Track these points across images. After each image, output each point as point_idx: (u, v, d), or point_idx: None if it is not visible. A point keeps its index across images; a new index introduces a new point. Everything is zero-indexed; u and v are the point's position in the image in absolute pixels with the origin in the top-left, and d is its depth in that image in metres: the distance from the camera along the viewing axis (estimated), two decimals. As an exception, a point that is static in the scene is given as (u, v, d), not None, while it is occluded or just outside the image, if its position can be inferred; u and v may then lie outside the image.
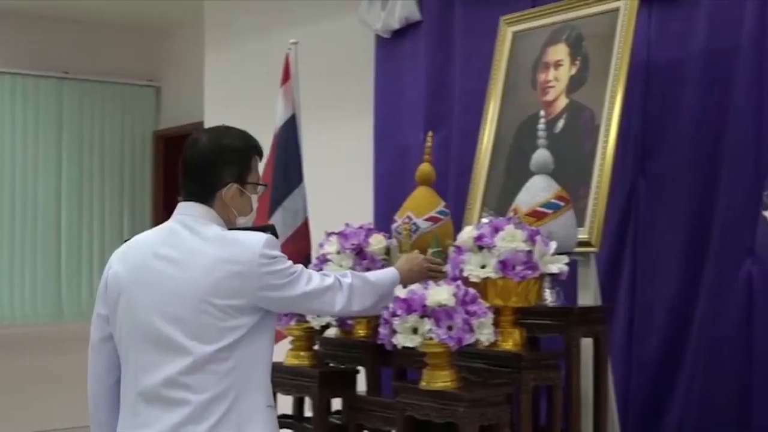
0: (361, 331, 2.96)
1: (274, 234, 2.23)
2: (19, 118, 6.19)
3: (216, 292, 2.10)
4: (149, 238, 2.27)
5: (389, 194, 3.89)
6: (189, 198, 2.25)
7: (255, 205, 2.33)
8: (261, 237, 2.17)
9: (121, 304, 2.19)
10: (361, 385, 2.94)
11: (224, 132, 2.32)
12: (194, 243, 2.17)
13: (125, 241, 2.30)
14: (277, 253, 2.17)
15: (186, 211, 2.24)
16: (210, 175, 2.23)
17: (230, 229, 2.24)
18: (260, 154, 2.33)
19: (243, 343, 2.11)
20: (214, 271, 2.11)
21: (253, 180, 2.28)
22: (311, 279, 2.20)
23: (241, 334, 2.11)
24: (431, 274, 2.36)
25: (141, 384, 2.13)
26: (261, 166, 2.38)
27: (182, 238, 2.19)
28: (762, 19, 2.86)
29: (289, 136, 3.77)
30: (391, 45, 4.08)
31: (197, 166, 2.25)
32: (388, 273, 2.28)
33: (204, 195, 2.23)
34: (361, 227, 2.95)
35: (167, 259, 2.17)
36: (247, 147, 2.29)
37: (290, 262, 2.17)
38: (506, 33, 3.31)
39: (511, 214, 2.72)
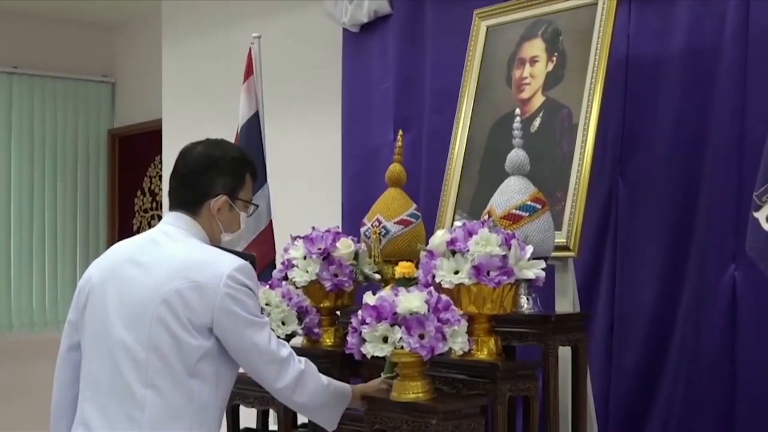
0: (328, 341, 2.90)
1: (253, 265, 2.22)
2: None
3: (175, 301, 2.09)
4: (129, 244, 2.29)
5: (358, 196, 3.86)
6: (176, 207, 2.26)
7: (243, 224, 2.33)
8: (236, 260, 2.17)
9: (87, 309, 2.20)
10: (329, 396, 2.86)
11: (221, 143, 2.34)
12: (168, 252, 2.18)
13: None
14: (250, 283, 2.16)
15: (171, 221, 2.25)
16: (201, 183, 2.24)
17: (213, 245, 2.24)
18: (255, 175, 2.34)
19: (199, 370, 2.11)
20: (178, 279, 2.11)
21: (244, 197, 2.29)
22: (271, 339, 2.19)
23: (196, 356, 2.10)
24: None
25: (91, 391, 2.13)
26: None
27: (159, 246, 2.20)
28: (744, 16, 2.84)
29: (252, 134, 3.76)
30: (360, 39, 4.04)
31: (190, 173, 2.26)
32: (343, 386, 2.34)
33: (192, 204, 2.24)
34: (328, 231, 2.89)
35: (139, 265, 2.18)
36: (243, 162, 2.31)
37: (261, 307, 2.18)
38: (480, 27, 3.27)
39: (485, 217, 2.66)
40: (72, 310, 2.27)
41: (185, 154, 2.29)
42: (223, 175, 2.25)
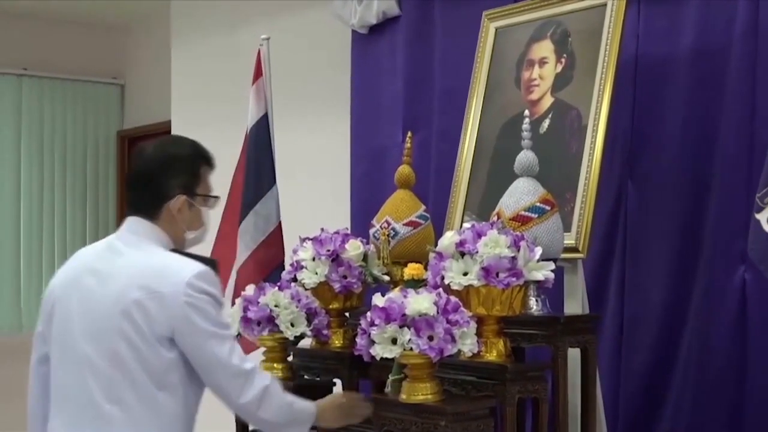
0: (337, 342, 2.90)
1: (215, 270, 2.15)
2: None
3: (135, 313, 2.04)
4: (89, 252, 2.23)
5: (367, 198, 3.84)
6: (135, 212, 2.19)
7: (206, 219, 2.26)
8: (197, 266, 2.10)
9: (54, 321, 2.15)
10: (338, 398, 2.85)
11: (172, 141, 2.31)
12: (127, 261, 2.11)
13: None
14: (211, 290, 2.09)
15: (130, 226, 2.19)
16: (156, 186, 2.17)
17: (179, 245, 2.18)
18: (211, 165, 2.26)
19: (166, 382, 2.07)
20: (137, 289, 2.05)
21: (202, 192, 2.22)
22: (234, 351, 2.11)
23: (162, 368, 2.05)
24: (357, 416, 2.38)
25: (59, 407, 2.10)
26: (230, 175, 2.33)
27: (118, 254, 2.14)
28: (754, 16, 2.82)
29: (261, 136, 3.74)
30: (368, 41, 4.03)
31: (143, 177, 2.19)
32: (308, 404, 2.29)
33: (150, 208, 2.17)
34: (337, 232, 2.88)
35: (97, 275, 2.12)
36: (196, 156, 2.23)
37: (226, 318, 2.10)
38: (489, 29, 3.26)
39: (494, 218, 2.66)
40: (40, 322, 2.23)
41: (136, 158, 2.24)
42: (178, 175, 2.18)
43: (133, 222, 2.20)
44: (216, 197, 2.31)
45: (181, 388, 2.11)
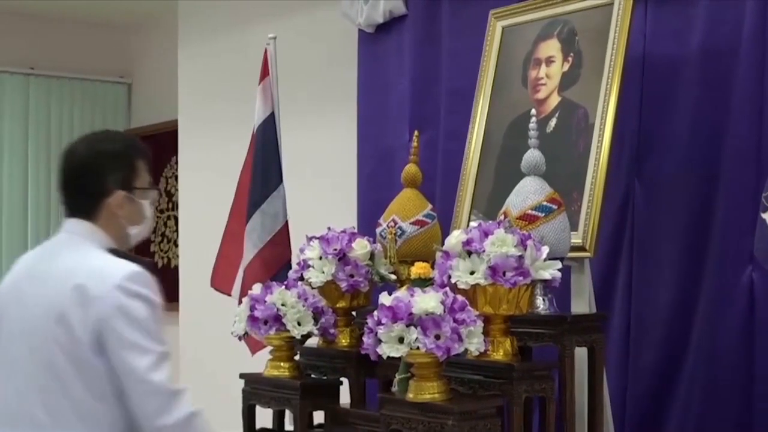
0: (344, 341, 2.89)
1: (151, 271, 2.06)
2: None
3: (68, 319, 1.98)
4: (29, 256, 2.18)
5: (374, 196, 3.82)
6: (73, 213, 2.12)
7: (148, 212, 2.19)
8: (129, 268, 2.01)
9: (2, 326, 2.11)
10: (345, 397, 2.87)
11: (102, 137, 2.21)
12: (62, 264, 2.05)
13: None
14: (143, 291, 2.00)
15: (68, 228, 2.12)
16: (92, 185, 2.10)
17: (122, 243, 2.13)
18: (146, 158, 2.18)
19: (104, 392, 1.99)
20: (69, 294, 1.98)
21: (140, 185, 2.14)
22: (158, 367, 1.98)
23: (98, 377, 1.98)
24: None
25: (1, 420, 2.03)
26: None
27: (54, 258, 2.09)
28: (763, 15, 2.82)
29: (267, 135, 3.75)
30: (375, 40, 4.02)
31: (77, 177, 2.12)
32: None
33: (88, 208, 2.10)
34: (344, 231, 2.88)
35: (34, 280, 2.07)
36: (130, 150, 2.16)
37: (156, 326, 1.98)
38: (495, 28, 3.26)
39: (501, 217, 2.65)
40: None
41: (68, 159, 2.14)
42: (114, 171, 2.10)
43: (71, 223, 2.12)
44: (155, 189, 2.24)
45: (122, 398, 2.01)
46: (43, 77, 6.27)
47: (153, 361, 1.98)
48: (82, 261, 2.05)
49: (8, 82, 6.16)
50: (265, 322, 2.73)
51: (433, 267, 2.52)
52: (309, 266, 2.85)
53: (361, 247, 2.85)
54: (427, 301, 2.29)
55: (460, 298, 2.35)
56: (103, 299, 1.98)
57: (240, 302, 2.96)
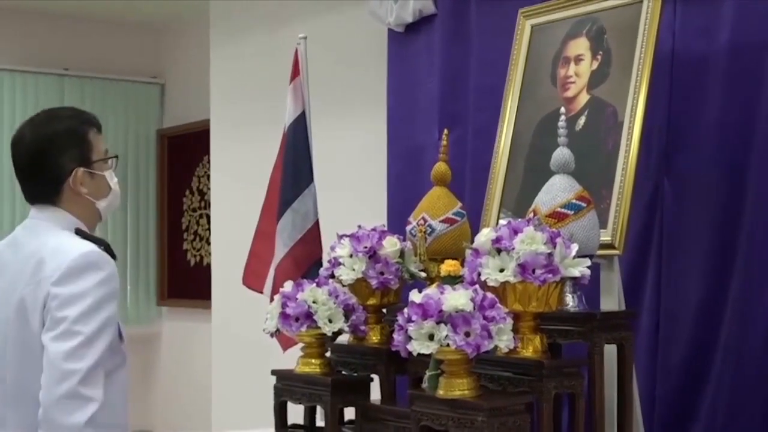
0: (374, 338, 2.90)
1: (109, 252, 2.00)
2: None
3: (24, 309, 1.95)
4: (2, 243, 2.14)
5: (403, 195, 3.83)
6: (35, 200, 2.08)
7: (113, 181, 2.13)
8: (83, 246, 1.96)
9: None
10: (375, 393, 2.87)
11: (48, 118, 2.10)
12: (24, 251, 2.02)
13: None
14: (91, 270, 1.92)
15: (32, 215, 2.09)
16: (49, 170, 2.04)
17: (93, 219, 2.09)
18: (97, 126, 2.12)
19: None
20: (25, 284, 1.96)
21: (98, 156, 2.08)
22: (83, 355, 1.89)
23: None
24: None
25: None
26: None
27: (18, 246, 2.06)
28: (792, 11, 2.79)
29: (298, 134, 3.76)
30: (405, 39, 4.03)
31: (30, 164, 2.06)
32: None
33: (49, 193, 2.06)
34: (374, 229, 2.89)
35: (2, 267, 2.05)
36: (79, 124, 2.09)
37: (97, 306, 1.90)
38: (524, 26, 3.25)
39: (530, 215, 2.65)
40: None
41: (18, 146, 2.07)
42: (67, 150, 2.05)
43: (34, 210, 2.09)
44: (114, 156, 2.16)
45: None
46: (77, 78, 6.33)
47: (74, 346, 1.89)
48: (42, 246, 2.01)
49: (43, 83, 6.23)
50: (297, 320, 2.74)
51: (462, 264, 2.52)
52: (340, 264, 2.85)
53: (391, 244, 2.86)
54: (457, 299, 2.29)
55: (489, 295, 2.35)
56: (51, 278, 1.93)
57: (271, 300, 2.98)
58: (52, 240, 2.02)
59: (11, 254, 2.08)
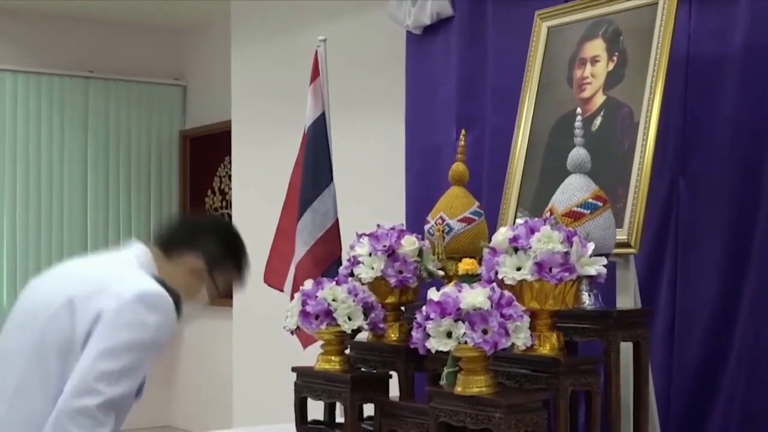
0: (393, 336, 2.92)
1: (177, 307, 2.03)
2: (45, 118, 6.22)
3: (79, 304, 2.00)
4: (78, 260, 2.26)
5: (421, 194, 3.85)
6: (156, 242, 2.17)
7: (201, 297, 2.20)
8: (159, 287, 2.01)
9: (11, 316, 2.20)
10: (394, 390, 2.89)
11: (235, 232, 2.27)
12: (101, 262, 2.14)
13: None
14: (155, 309, 1.95)
15: (133, 249, 2.16)
16: (195, 236, 2.17)
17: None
18: (242, 279, 2.25)
19: None
20: (89, 286, 2.04)
21: (218, 279, 2.20)
22: (120, 385, 1.93)
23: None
24: None
25: None
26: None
27: (98, 258, 2.21)
28: (807, 12, 2.80)
29: (318, 135, 3.77)
30: (423, 41, 4.04)
31: (196, 226, 2.22)
32: None
33: (174, 245, 2.16)
34: (392, 228, 2.90)
35: (58, 276, 2.17)
36: (241, 259, 2.24)
37: (150, 346, 1.95)
38: (541, 28, 3.27)
39: (547, 214, 2.67)
40: None
41: (221, 221, 2.26)
42: (214, 248, 2.17)
43: (138, 247, 2.17)
44: (219, 295, 2.26)
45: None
46: (101, 80, 6.39)
47: (114, 370, 1.93)
48: (121, 267, 2.08)
49: (68, 85, 6.30)
50: (317, 317, 2.75)
51: (480, 263, 2.53)
52: (359, 262, 2.86)
53: (409, 243, 2.86)
54: (475, 297, 2.30)
55: (507, 293, 2.35)
56: (121, 293, 1.97)
57: (292, 298, 2.99)
58: (135, 270, 2.08)
59: (83, 261, 2.18)
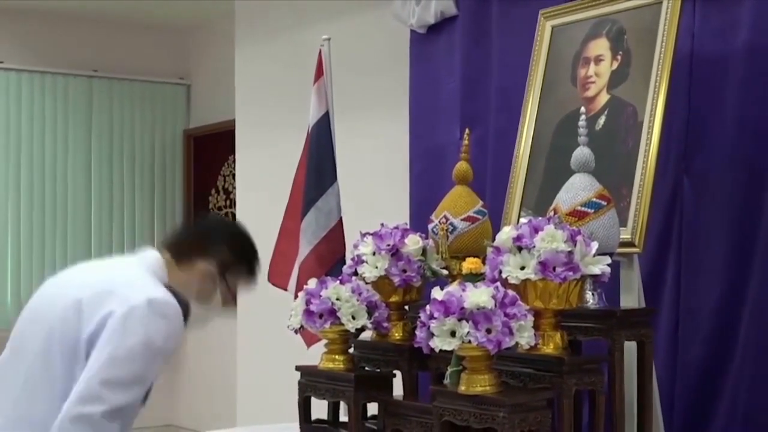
0: (397, 335, 2.92)
1: (186, 314, 2.04)
2: (48, 117, 6.23)
3: (86, 306, 2.02)
4: (87, 264, 2.28)
5: (425, 193, 3.86)
6: (167, 248, 2.18)
7: (213, 302, 2.22)
8: (169, 295, 2.02)
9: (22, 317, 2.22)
10: (398, 389, 2.90)
11: (248, 236, 2.29)
12: (110, 266, 2.15)
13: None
14: (164, 317, 1.96)
15: (145, 254, 2.17)
16: (206, 242, 2.17)
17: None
18: (252, 281, 2.26)
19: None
20: (95, 289, 2.05)
21: (230, 282, 2.21)
22: (127, 393, 1.93)
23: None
24: None
25: None
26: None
27: (108, 262, 2.20)
28: (811, 12, 2.79)
29: (322, 134, 3.77)
30: (427, 40, 4.05)
31: (205, 231, 2.22)
32: None
33: (184, 252, 2.16)
34: (396, 227, 2.90)
35: (67, 281, 2.19)
36: (253, 261, 2.25)
37: (159, 354, 1.96)
38: (545, 27, 3.27)
39: (550, 213, 2.67)
40: None
41: (231, 223, 2.26)
42: (226, 252, 2.18)
43: (151, 253, 2.17)
44: (233, 300, 2.27)
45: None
46: (105, 79, 6.40)
47: (120, 378, 1.93)
48: (132, 272, 2.09)
49: (72, 84, 6.31)
50: (321, 316, 2.75)
51: (484, 262, 2.52)
52: (363, 261, 2.87)
53: (413, 242, 2.86)
54: (479, 296, 2.30)
55: (510, 292, 2.35)
56: (128, 299, 1.98)
57: (296, 297, 2.99)
58: (145, 277, 2.08)
59: (87, 272, 2.17)
